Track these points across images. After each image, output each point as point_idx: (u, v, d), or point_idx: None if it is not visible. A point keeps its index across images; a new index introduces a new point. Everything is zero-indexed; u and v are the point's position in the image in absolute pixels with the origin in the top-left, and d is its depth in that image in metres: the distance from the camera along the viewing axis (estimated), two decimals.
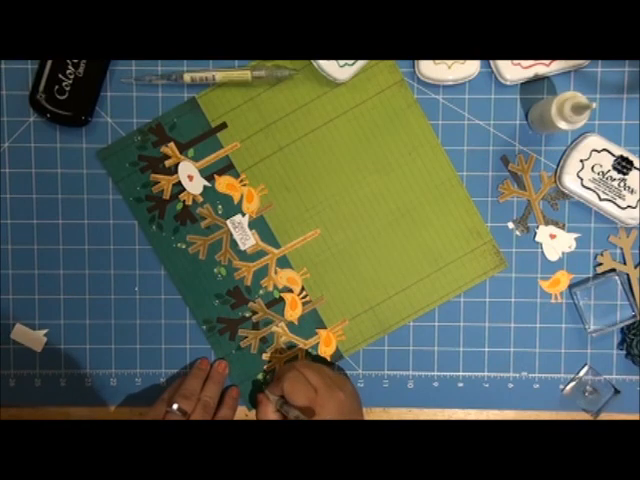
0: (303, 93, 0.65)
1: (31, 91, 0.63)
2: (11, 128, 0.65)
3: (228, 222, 0.65)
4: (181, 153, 0.65)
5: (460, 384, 0.67)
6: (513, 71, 0.63)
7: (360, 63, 0.63)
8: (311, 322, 0.66)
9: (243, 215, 0.65)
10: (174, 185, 0.65)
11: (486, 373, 0.67)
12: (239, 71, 0.63)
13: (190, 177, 0.65)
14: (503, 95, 0.65)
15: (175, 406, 0.60)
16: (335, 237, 0.66)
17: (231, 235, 0.66)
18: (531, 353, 0.66)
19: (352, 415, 0.61)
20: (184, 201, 0.65)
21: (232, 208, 0.66)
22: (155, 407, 0.62)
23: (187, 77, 0.63)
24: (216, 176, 0.65)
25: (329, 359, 0.66)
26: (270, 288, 0.66)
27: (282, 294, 0.66)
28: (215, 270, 0.66)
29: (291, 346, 0.66)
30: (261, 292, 0.66)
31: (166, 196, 0.65)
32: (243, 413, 0.67)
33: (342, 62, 0.63)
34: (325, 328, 0.66)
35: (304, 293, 0.66)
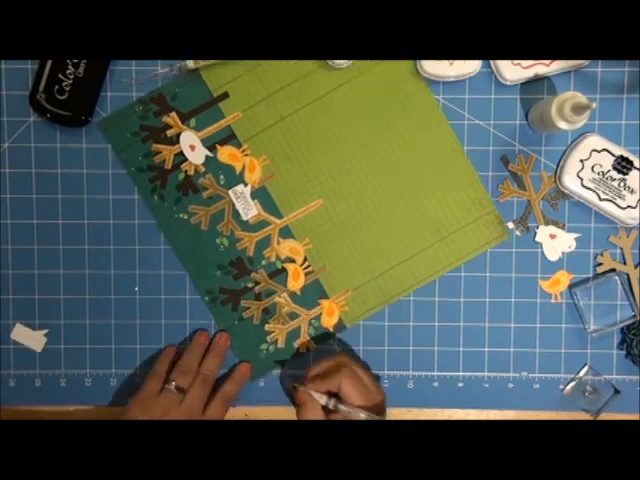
0: (305, 62, 0.64)
1: (31, 91, 0.63)
2: (11, 128, 0.65)
3: (230, 192, 0.65)
4: (183, 123, 0.65)
5: (460, 384, 0.67)
6: (513, 71, 0.63)
7: None
8: (314, 292, 0.66)
9: (245, 185, 0.65)
10: (176, 155, 0.65)
11: (486, 373, 0.67)
12: None
13: (192, 147, 0.64)
14: (503, 95, 0.65)
15: (172, 385, 0.60)
16: (337, 207, 0.66)
17: (233, 205, 0.65)
18: (531, 353, 0.66)
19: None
20: (186, 171, 0.65)
21: (234, 178, 0.65)
22: (148, 383, 0.61)
23: (190, 63, 0.63)
24: (218, 146, 0.65)
25: (331, 330, 0.66)
26: (272, 259, 0.66)
27: (284, 264, 0.66)
28: (217, 241, 0.66)
29: (294, 317, 0.66)
30: (263, 263, 0.66)
31: (168, 166, 0.65)
32: (243, 413, 0.67)
33: None
34: (328, 298, 0.66)
35: (306, 263, 0.66)
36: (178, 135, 0.65)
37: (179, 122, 0.65)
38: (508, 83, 0.64)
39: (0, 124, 0.65)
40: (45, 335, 0.66)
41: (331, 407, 0.58)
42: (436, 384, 0.67)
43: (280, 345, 0.66)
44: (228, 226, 0.65)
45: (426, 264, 0.66)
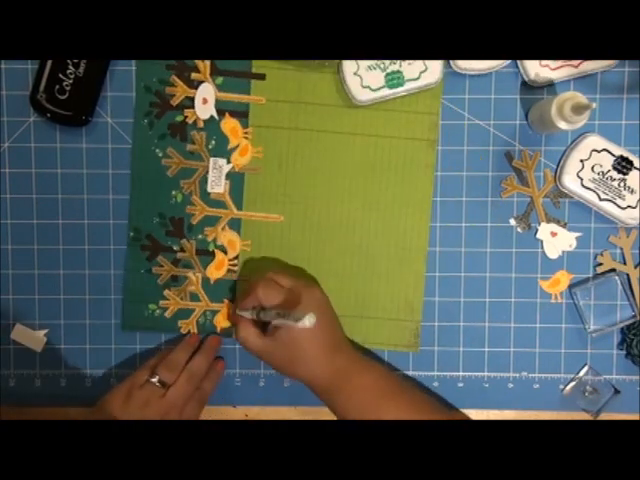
0: (346, 94, 0.64)
1: (31, 91, 0.63)
2: (11, 128, 0.65)
3: (212, 160, 0.65)
4: (211, 75, 0.65)
5: (460, 384, 0.67)
6: (541, 71, 0.63)
7: (382, 93, 0.63)
8: (225, 290, 0.66)
9: (228, 162, 0.65)
10: (187, 98, 0.65)
11: (486, 373, 0.67)
12: None
13: (205, 100, 0.64)
14: (503, 95, 0.65)
15: (156, 378, 0.60)
16: (292, 235, 0.66)
17: (206, 172, 0.65)
18: (531, 353, 0.66)
19: (329, 312, 0.62)
20: (186, 117, 0.65)
21: (223, 150, 0.65)
22: (138, 373, 0.62)
23: None
24: (227, 114, 0.65)
25: (218, 331, 0.66)
26: (209, 239, 0.66)
27: (216, 250, 0.66)
28: (173, 192, 0.65)
29: (194, 299, 0.66)
30: (200, 237, 0.66)
31: (174, 102, 0.65)
32: (243, 413, 0.67)
33: (365, 82, 0.63)
34: (233, 303, 0.66)
35: (235, 262, 0.66)
36: (200, 83, 0.64)
37: (208, 72, 0.64)
38: (535, 85, 0.64)
39: (0, 124, 0.65)
40: (45, 335, 0.66)
41: (256, 318, 0.59)
42: (436, 384, 0.67)
43: (167, 315, 0.66)
44: (190, 187, 0.65)
45: None
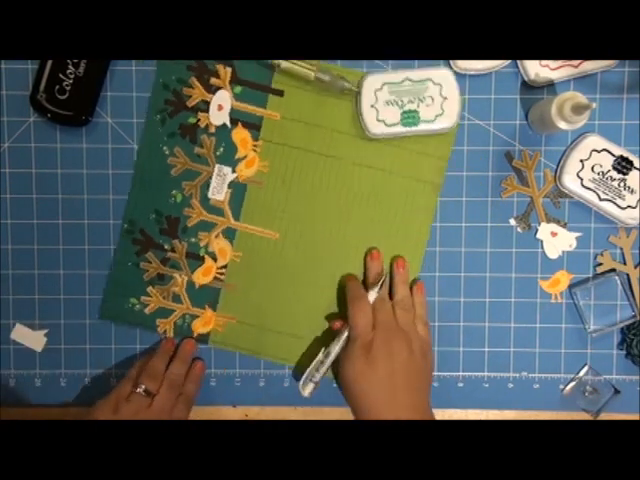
0: (361, 124, 0.64)
1: (32, 91, 0.63)
2: (11, 128, 0.65)
3: (217, 166, 0.65)
4: (230, 83, 0.65)
5: (460, 384, 0.67)
6: (541, 71, 0.63)
7: (396, 129, 0.63)
8: (208, 296, 0.66)
9: (233, 172, 0.65)
10: (203, 101, 0.65)
11: (486, 373, 0.67)
12: (304, 69, 0.63)
13: (220, 107, 0.64)
14: (503, 95, 0.65)
15: (142, 387, 0.60)
16: (285, 252, 0.66)
17: (209, 178, 0.65)
18: (531, 353, 0.66)
19: (431, 358, 0.64)
20: (199, 120, 0.65)
21: (229, 159, 0.65)
22: (121, 385, 0.62)
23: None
24: (240, 124, 0.65)
25: (194, 335, 0.66)
26: (202, 244, 0.66)
27: (206, 256, 0.66)
28: (174, 192, 0.65)
29: (176, 300, 0.66)
30: (192, 240, 0.66)
31: (189, 104, 0.65)
32: (243, 413, 0.67)
33: (380, 116, 0.62)
34: (214, 311, 0.66)
35: (223, 270, 0.66)
36: (218, 88, 0.65)
37: (228, 79, 0.65)
38: (535, 85, 0.64)
39: (0, 124, 0.65)
40: (45, 335, 0.66)
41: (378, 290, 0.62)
42: (436, 384, 0.67)
43: (147, 311, 0.66)
44: (192, 189, 0.65)
45: (304, 352, 0.66)
